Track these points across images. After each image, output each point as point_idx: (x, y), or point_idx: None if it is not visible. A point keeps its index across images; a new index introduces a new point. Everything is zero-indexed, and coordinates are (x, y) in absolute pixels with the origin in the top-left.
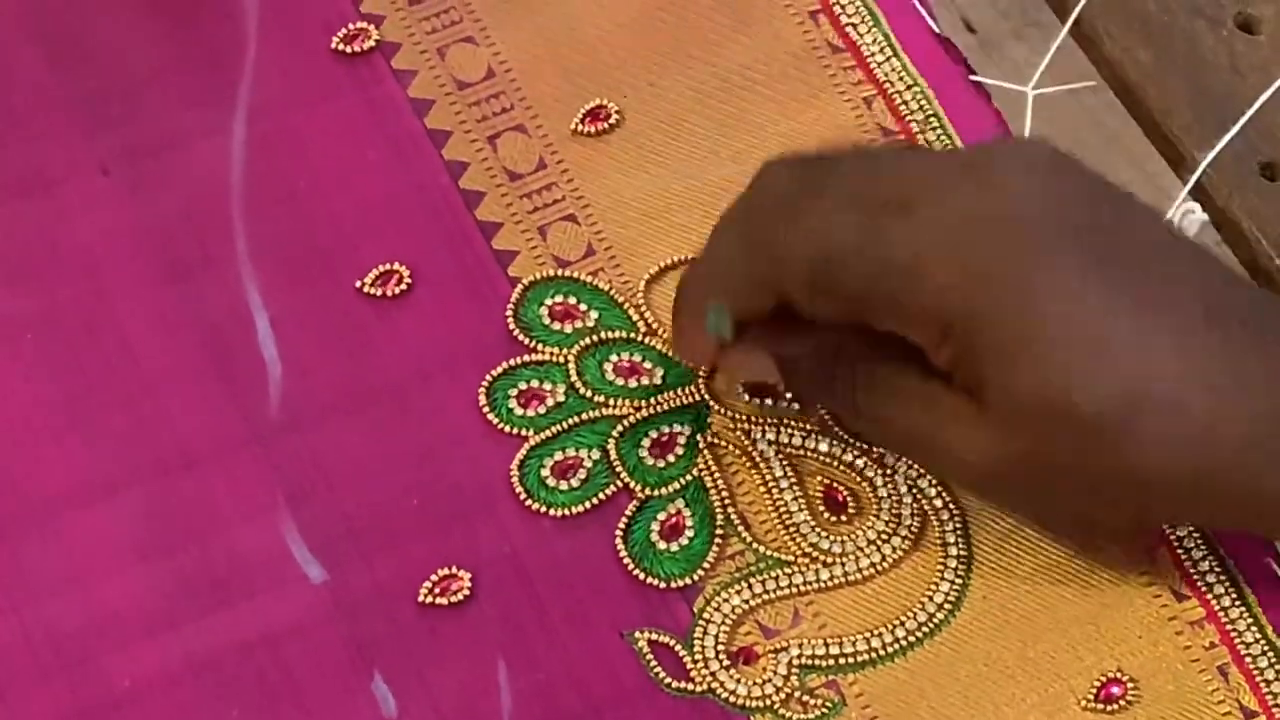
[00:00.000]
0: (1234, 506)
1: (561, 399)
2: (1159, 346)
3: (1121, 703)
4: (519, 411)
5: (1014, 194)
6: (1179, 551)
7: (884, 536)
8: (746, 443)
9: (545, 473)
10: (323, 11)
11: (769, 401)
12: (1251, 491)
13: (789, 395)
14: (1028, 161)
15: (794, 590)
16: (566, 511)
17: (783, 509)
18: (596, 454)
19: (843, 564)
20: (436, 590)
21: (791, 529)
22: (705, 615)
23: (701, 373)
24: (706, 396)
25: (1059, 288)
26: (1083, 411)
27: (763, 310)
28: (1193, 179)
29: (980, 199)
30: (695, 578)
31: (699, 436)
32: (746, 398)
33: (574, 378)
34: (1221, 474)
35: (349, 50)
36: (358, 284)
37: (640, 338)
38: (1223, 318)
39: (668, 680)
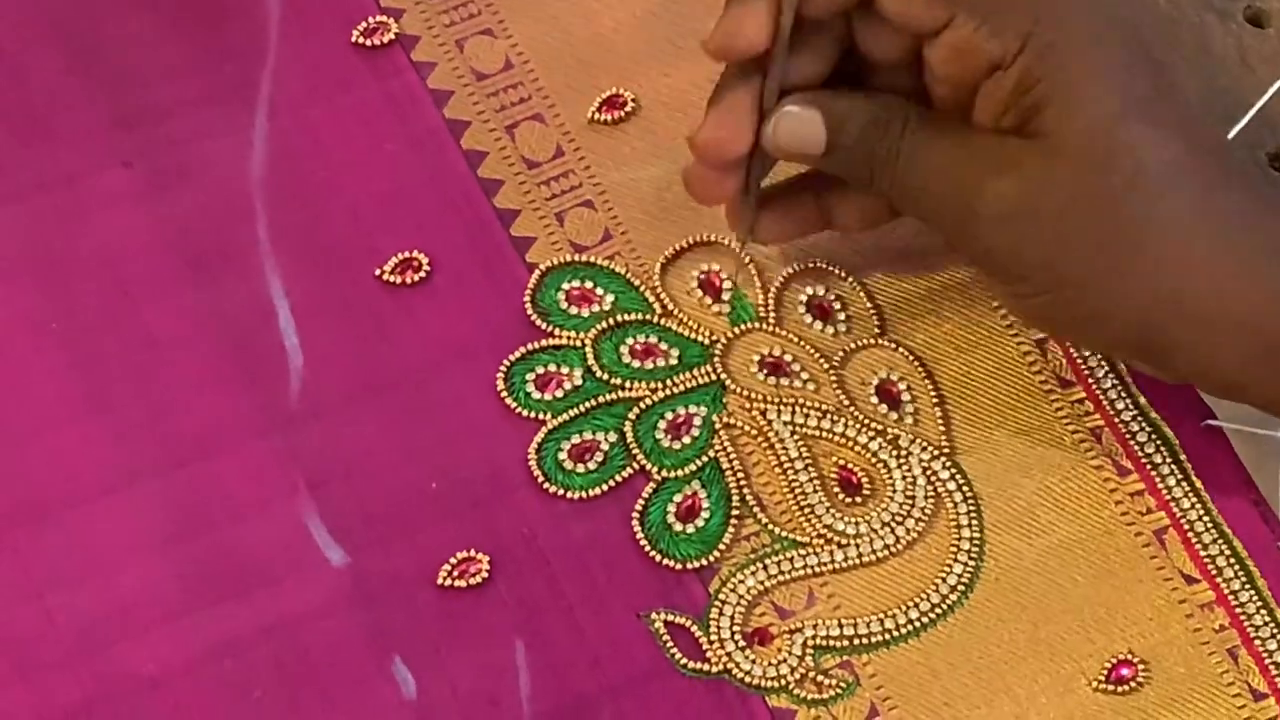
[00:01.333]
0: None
1: (579, 382)
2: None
3: (1132, 684)
4: (536, 395)
5: None
6: (1189, 535)
7: (898, 518)
8: (762, 424)
9: (562, 456)
10: (343, 6)
11: (785, 381)
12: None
13: (804, 375)
14: None
15: (809, 571)
16: (583, 494)
17: (798, 490)
18: (613, 437)
19: (857, 545)
20: (455, 573)
21: (806, 510)
22: (721, 596)
23: (718, 349)
24: (723, 376)
25: (1145, 20)
26: (1132, 148)
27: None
28: None
29: None
30: (711, 559)
31: (715, 418)
32: (762, 376)
33: (591, 361)
34: (1231, 304)
35: (369, 43)
36: (377, 272)
37: (656, 319)
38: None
39: (684, 661)
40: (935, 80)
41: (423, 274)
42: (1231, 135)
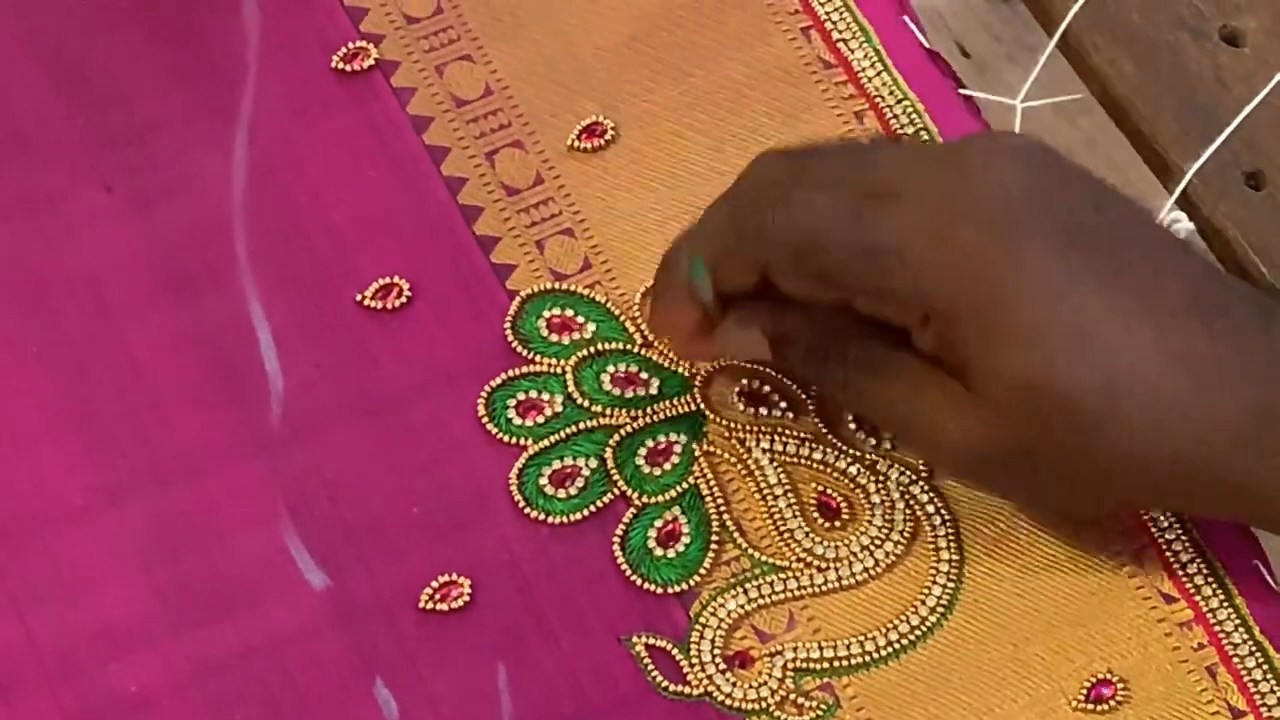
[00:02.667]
0: (1213, 492)
1: (559, 409)
2: (1141, 334)
3: (1112, 703)
4: (517, 421)
5: (996, 182)
6: (1166, 555)
7: (877, 542)
8: (742, 451)
9: (544, 481)
10: (323, 31)
11: (764, 410)
12: (1229, 478)
13: (782, 404)
14: (1011, 152)
15: (789, 595)
16: (565, 519)
17: (777, 515)
18: (594, 463)
19: (837, 569)
20: (437, 596)
21: (786, 535)
22: (702, 620)
23: (698, 381)
24: (702, 406)
25: (1040, 274)
26: (1065, 396)
27: (746, 285)
28: (1179, 189)
29: (963, 187)
30: (692, 583)
31: (695, 445)
32: (741, 406)
33: (571, 388)
34: (1200, 460)
35: (349, 69)
36: (358, 297)
37: (637, 349)
38: (1204, 308)
39: (665, 684)
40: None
41: (404, 299)
42: (1208, 155)
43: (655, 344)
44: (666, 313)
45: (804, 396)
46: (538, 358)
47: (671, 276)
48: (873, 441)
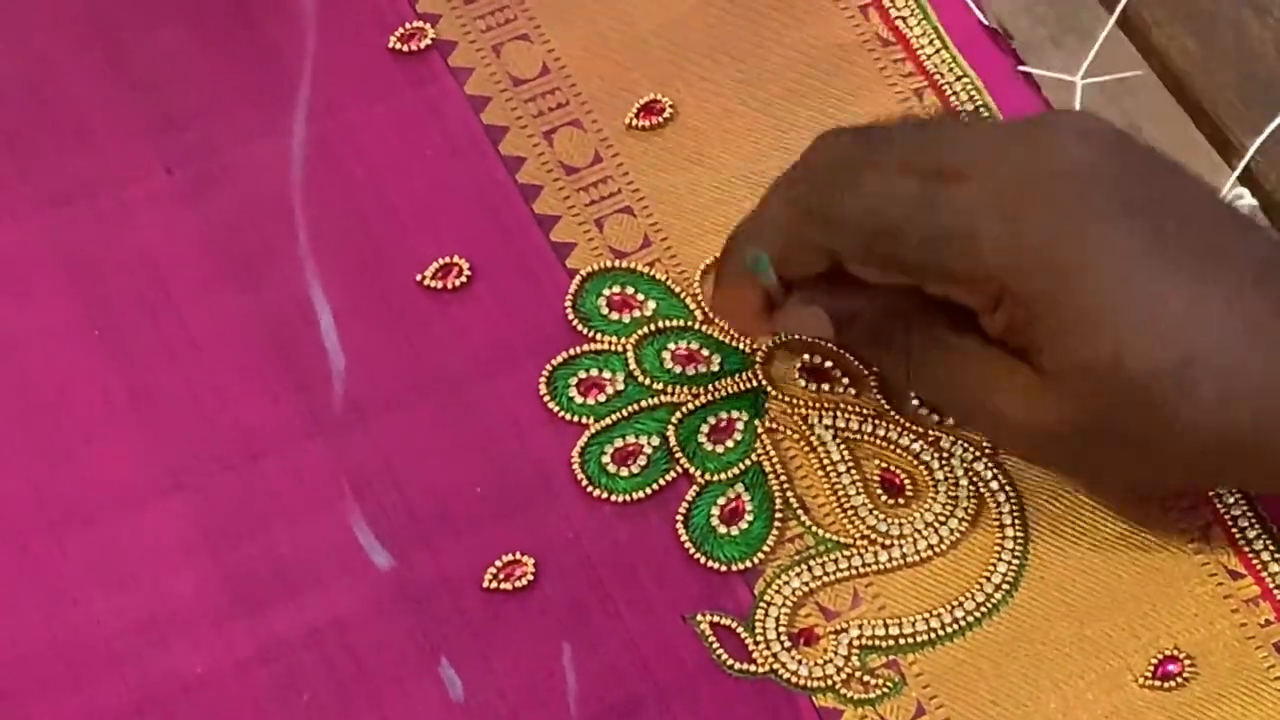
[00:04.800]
0: None
1: (621, 387)
2: (1211, 311)
3: (1179, 679)
4: (579, 400)
5: (1067, 160)
6: (1232, 530)
7: (941, 519)
8: (804, 427)
9: (606, 460)
10: (380, 11)
11: (826, 387)
12: None
13: (845, 380)
14: (1080, 131)
15: (853, 572)
16: (627, 497)
17: (841, 492)
18: (656, 440)
19: (901, 546)
20: (501, 576)
21: (850, 512)
22: (766, 597)
23: (759, 357)
24: (764, 382)
25: (1111, 254)
26: (1136, 376)
27: (811, 272)
28: (1241, 164)
29: (1033, 165)
30: (755, 561)
31: (757, 422)
32: (804, 383)
33: (633, 366)
34: (1273, 435)
35: (406, 49)
36: (418, 278)
37: (697, 325)
38: (1273, 282)
39: (730, 662)
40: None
41: (463, 279)
42: (1270, 130)
43: (716, 321)
44: (729, 297)
45: (866, 373)
46: (598, 336)
47: (734, 262)
48: (936, 418)
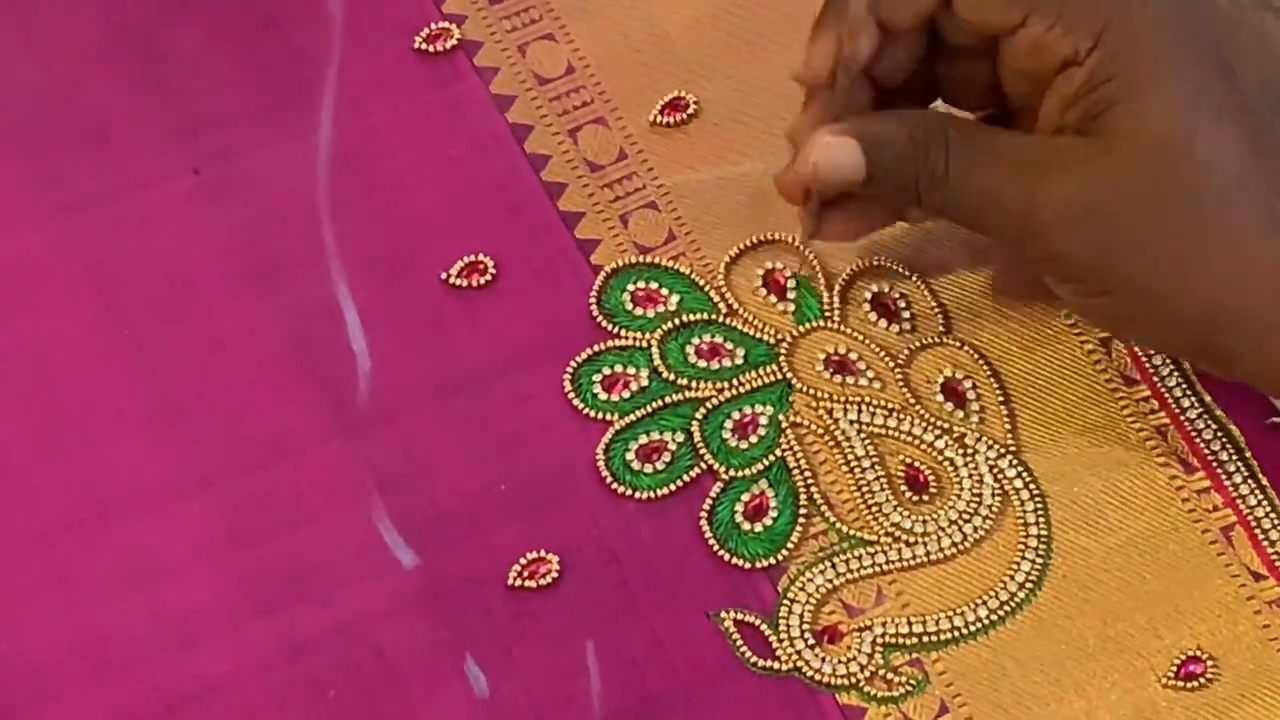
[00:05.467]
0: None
1: (645, 383)
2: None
3: (1201, 680)
4: (603, 396)
5: None
6: (1255, 532)
7: (965, 516)
8: (829, 421)
9: (630, 456)
10: (405, 12)
11: (851, 380)
12: None
13: (870, 374)
14: None
15: (877, 569)
16: (651, 494)
17: (865, 488)
18: (680, 436)
19: (925, 543)
20: (525, 573)
21: (874, 508)
22: (790, 595)
23: (783, 349)
24: (789, 375)
25: (1188, 73)
26: (1208, 159)
27: (919, 8)
28: None
29: None
30: (779, 558)
31: (781, 417)
32: (828, 375)
33: (657, 361)
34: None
35: (431, 50)
36: (443, 276)
37: (721, 319)
38: None
39: (754, 659)
40: (1009, 74)
41: (488, 277)
42: None
43: (739, 314)
44: (817, 51)
45: (891, 367)
46: (623, 332)
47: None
48: (960, 414)
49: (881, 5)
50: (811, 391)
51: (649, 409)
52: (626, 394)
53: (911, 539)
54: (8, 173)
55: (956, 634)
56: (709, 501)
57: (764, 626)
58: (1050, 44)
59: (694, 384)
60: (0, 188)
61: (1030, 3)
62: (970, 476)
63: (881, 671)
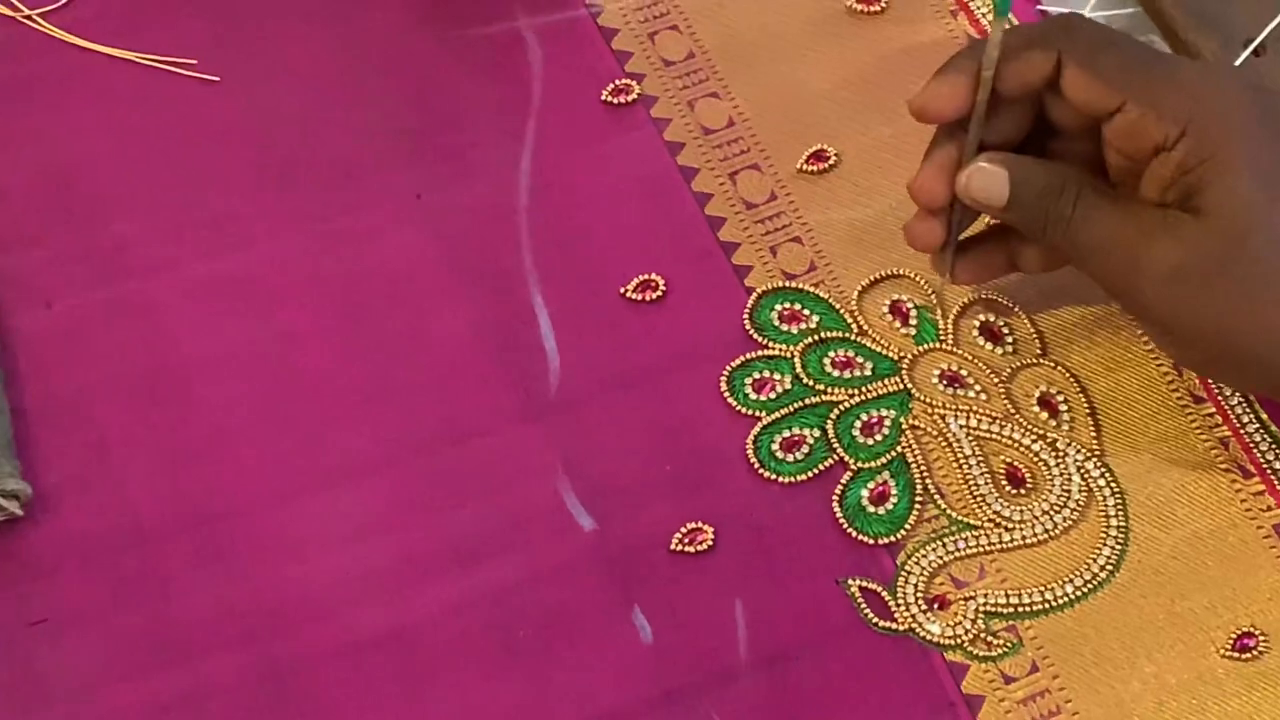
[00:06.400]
0: None
1: (788, 387)
2: None
3: (1254, 652)
4: (753, 396)
5: (1260, 85)
6: None
7: (1056, 508)
8: (942, 425)
9: (775, 447)
10: (595, 70)
11: (961, 391)
12: None
13: (977, 387)
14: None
15: (980, 549)
16: (792, 479)
17: (971, 482)
18: (817, 433)
19: (1021, 529)
20: (685, 540)
21: (979, 498)
22: (907, 568)
23: (905, 364)
24: (909, 386)
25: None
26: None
27: (1035, 73)
28: None
29: (1240, 91)
30: (898, 536)
31: (902, 420)
32: (941, 387)
33: (799, 370)
34: None
35: (616, 101)
36: (622, 290)
37: (854, 337)
38: None
39: (875, 620)
40: (1110, 151)
41: (659, 293)
42: None
43: (869, 334)
44: (937, 86)
45: (995, 382)
46: (771, 343)
47: (963, 53)
48: (1053, 423)
49: (996, 72)
50: (928, 400)
51: (791, 408)
52: (773, 395)
53: (1010, 525)
54: (266, 194)
55: (1047, 606)
56: (840, 487)
57: (884, 593)
58: (1144, 129)
59: (829, 389)
60: (262, 207)
61: (1127, 91)
62: (1061, 475)
63: (983, 635)
